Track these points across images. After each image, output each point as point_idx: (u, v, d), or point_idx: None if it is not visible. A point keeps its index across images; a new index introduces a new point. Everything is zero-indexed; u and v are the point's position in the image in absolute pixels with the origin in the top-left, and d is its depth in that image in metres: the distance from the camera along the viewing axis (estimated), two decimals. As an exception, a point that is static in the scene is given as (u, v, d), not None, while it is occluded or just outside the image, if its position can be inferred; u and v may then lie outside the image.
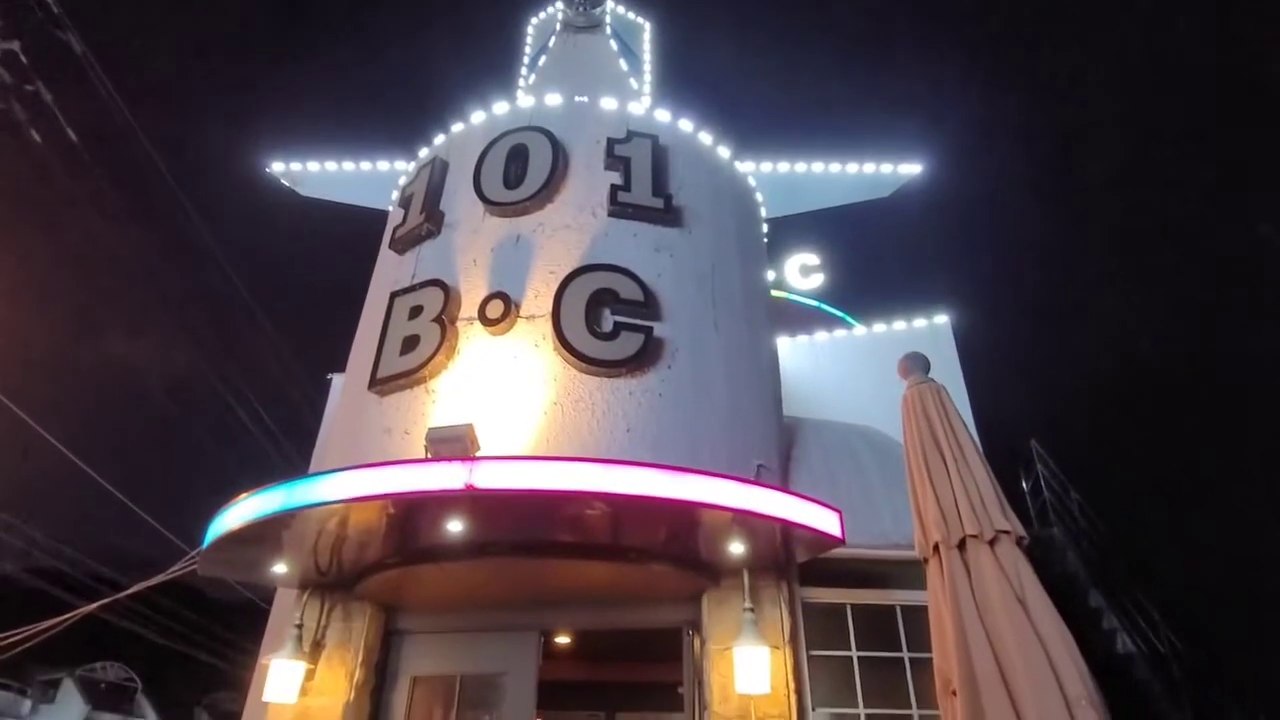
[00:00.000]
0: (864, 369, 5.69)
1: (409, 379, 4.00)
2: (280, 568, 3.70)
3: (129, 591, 5.50)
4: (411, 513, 3.23)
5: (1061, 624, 1.52)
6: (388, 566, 3.62)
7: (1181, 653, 5.23)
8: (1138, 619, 5.69)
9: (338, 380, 5.87)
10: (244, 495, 3.29)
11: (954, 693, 1.51)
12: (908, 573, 3.81)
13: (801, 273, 8.76)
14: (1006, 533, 1.63)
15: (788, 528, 3.20)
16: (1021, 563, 1.59)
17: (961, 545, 1.64)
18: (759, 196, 5.67)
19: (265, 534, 3.34)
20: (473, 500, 3.01)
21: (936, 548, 1.66)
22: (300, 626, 3.71)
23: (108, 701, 23.71)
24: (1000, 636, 1.51)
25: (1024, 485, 6.69)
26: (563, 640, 4.95)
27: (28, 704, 22.25)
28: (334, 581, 3.83)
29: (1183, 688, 5.12)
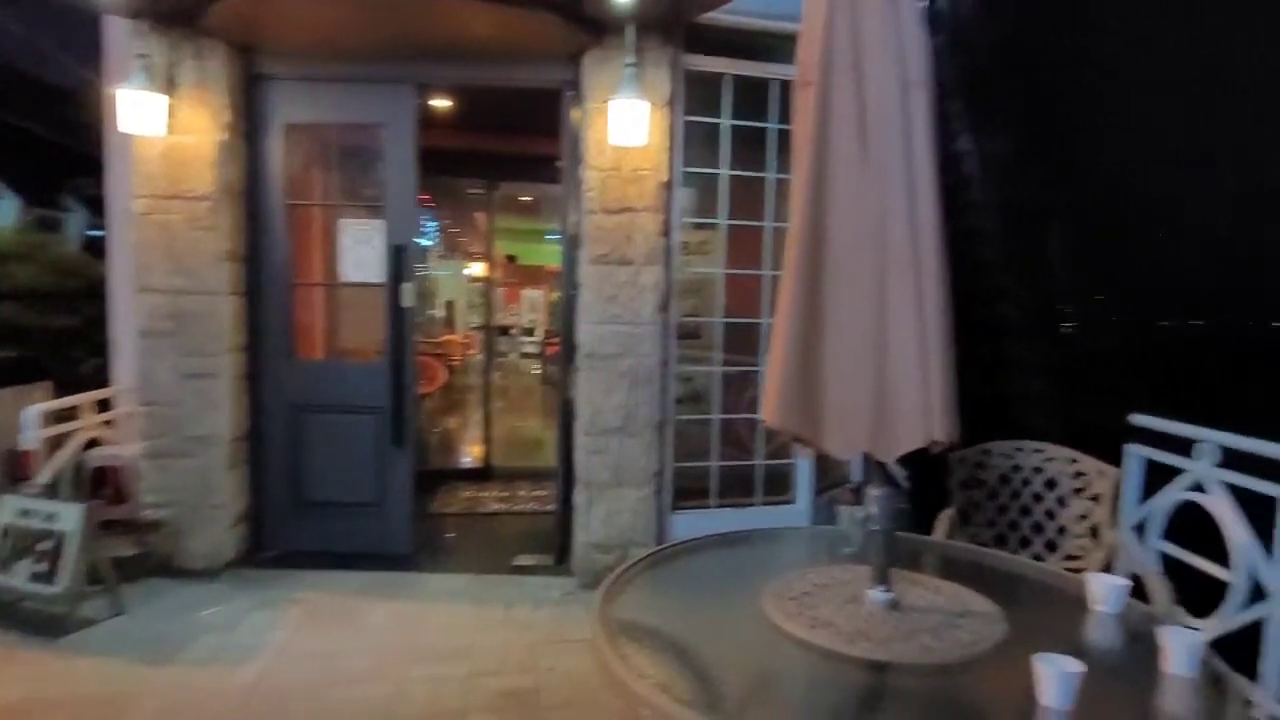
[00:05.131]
0: None
1: None
2: (101, -14, 3.22)
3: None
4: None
5: (921, 21, 1.60)
6: (233, -7, 3.23)
7: (1011, 150, 5.86)
8: (986, 125, 6.22)
9: None
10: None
11: (808, 83, 1.62)
12: (789, 47, 3.84)
13: None
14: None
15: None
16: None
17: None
18: None
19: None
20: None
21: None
22: (147, 57, 3.42)
23: (-41, 183, 22.60)
24: (865, 30, 1.57)
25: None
26: (443, 103, 4.90)
27: None
28: (173, 9, 3.42)
29: (993, 178, 5.89)
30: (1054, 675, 1.30)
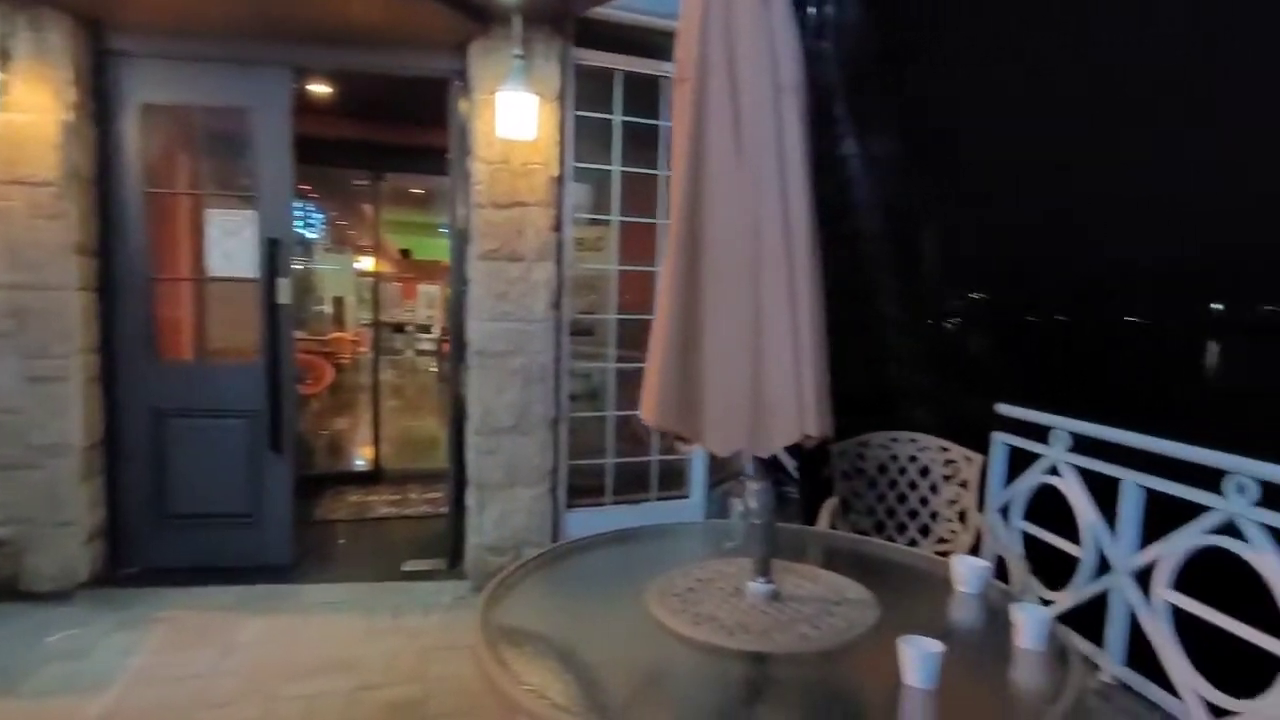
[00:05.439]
0: None
1: None
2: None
3: None
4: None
5: (794, 25, 1.63)
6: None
7: (894, 154, 6.15)
8: (870, 130, 6.50)
9: None
10: None
11: (684, 79, 1.62)
12: (681, 46, 3.87)
13: None
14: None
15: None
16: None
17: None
18: None
19: None
20: None
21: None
22: (-29, 25, 3.07)
23: None
24: (738, 30, 1.59)
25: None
26: (324, 89, 4.66)
27: None
28: (5, -26, 3.09)
29: (878, 181, 6.18)
30: (917, 656, 1.36)
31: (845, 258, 5.75)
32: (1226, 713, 2.18)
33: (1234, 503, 2.15)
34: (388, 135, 5.33)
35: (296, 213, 9.28)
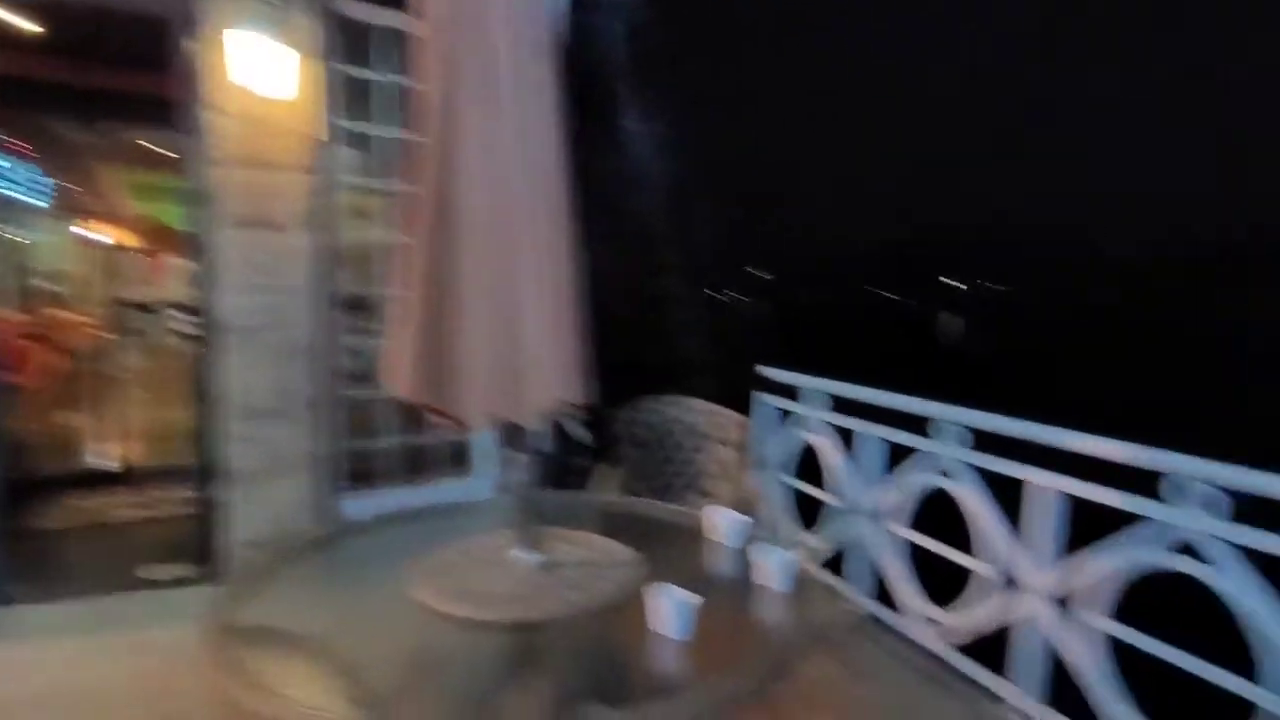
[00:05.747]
0: None
1: None
2: None
3: None
4: None
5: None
6: None
7: (679, 133, 6.40)
8: (659, 111, 6.70)
9: None
10: None
11: (429, 41, 1.54)
12: None
13: None
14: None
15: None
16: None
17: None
18: None
19: None
20: None
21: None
22: None
23: None
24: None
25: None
26: (22, 21, 3.90)
27: None
28: None
29: (663, 159, 6.41)
30: (671, 608, 1.42)
31: (634, 234, 5.92)
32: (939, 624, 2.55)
33: (942, 446, 2.50)
34: (117, 82, 4.56)
35: (15, 175, 7.73)
